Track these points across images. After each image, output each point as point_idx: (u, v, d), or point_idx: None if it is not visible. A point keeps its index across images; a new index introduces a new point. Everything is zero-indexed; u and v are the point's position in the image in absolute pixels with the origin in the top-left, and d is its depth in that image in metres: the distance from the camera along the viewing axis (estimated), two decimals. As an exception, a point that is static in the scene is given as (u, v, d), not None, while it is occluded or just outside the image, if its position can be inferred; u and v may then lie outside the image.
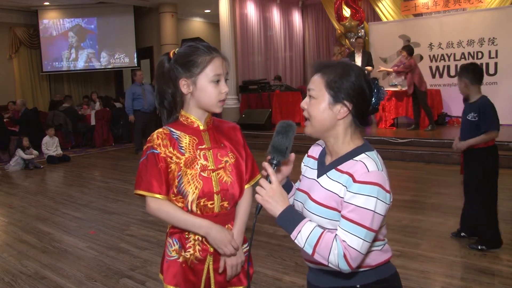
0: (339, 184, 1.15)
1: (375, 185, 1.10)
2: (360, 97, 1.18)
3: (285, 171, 1.30)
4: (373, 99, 1.20)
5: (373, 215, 1.09)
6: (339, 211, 1.15)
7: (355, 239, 1.08)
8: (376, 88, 1.21)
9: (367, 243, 1.10)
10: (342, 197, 1.14)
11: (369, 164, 1.13)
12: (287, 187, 1.35)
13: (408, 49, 7.63)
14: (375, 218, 1.09)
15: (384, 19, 10.20)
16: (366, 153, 1.18)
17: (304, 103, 1.24)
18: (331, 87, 1.18)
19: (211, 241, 1.33)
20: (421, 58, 8.94)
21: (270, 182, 1.19)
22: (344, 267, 1.09)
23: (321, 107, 1.19)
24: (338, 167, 1.19)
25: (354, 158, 1.17)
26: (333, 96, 1.18)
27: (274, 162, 1.21)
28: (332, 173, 1.20)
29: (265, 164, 1.21)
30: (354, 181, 1.11)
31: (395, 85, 8.40)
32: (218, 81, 1.34)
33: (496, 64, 8.17)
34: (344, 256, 1.08)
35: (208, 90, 1.33)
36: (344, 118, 1.19)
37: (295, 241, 1.15)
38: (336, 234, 1.12)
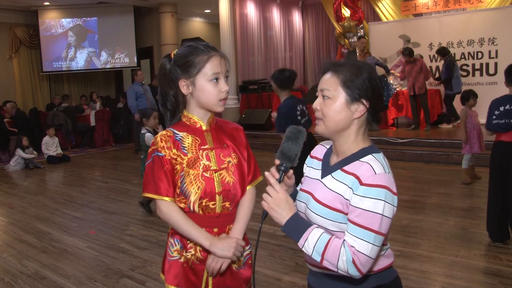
0: (344, 185, 1.13)
1: (382, 188, 1.07)
2: (375, 93, 1.17)
3: (288, 182, 1.26)
4: (384, 96, 1.20)
5: (381, 218, 1.07)
6: (344, 213, 1.13)
7: (364, 243, 1.06)
8: (385, 84, 1.20)
9: (376, 247, 1.08)
10: (348, 199, 1.11)
11: (375, 166, 1.11)
12: (293, 195, 1.32)
13: (409, 52, 7.64)
14: (383, 222, 1.07)
15: (384, 19, 10.20)
16: (373, 154, 1.16)
17: (317, 104, 1.20)
18: (348, 85, 1.16)
19: (217, 251, 1.32)
20: (421, 58, 8.94)
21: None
22: (354, 272, 1.07)
23: (337, 107, 1.17)
24: (344, 168, 1.17)
25: (360, 159, 1.15)
26: (350, 95, 1.16)
27: (282, 168, 1.18)
28: (338, 173, 1.17)
29: (273, 171, 1.19)
30: (361, 183, 1.09)
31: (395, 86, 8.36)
32: (217, 80, 1.33)
33: (496, 64, 8.16)
34: (353, 261, 1.06)
35: (207, 89, 1.33)
36: (360, 117, 1.17)
37: (303, 249, 1.13)
38: (344, 240, 1.10)
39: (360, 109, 1.16)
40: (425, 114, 7.76)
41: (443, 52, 7.73)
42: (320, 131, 1.21)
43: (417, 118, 7.88)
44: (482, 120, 5.29)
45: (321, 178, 1.22)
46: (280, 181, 1.19)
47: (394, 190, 1.10)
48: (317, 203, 1.18)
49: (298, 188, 1.38)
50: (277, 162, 1.19)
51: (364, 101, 1.16)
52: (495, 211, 3.16)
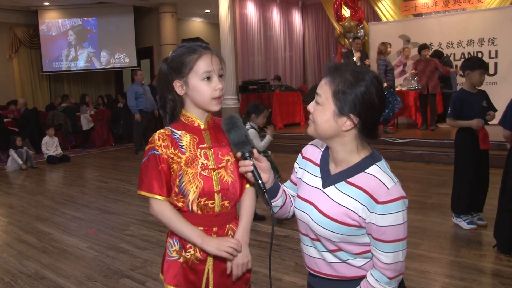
0: (355, 201, 1.11)
1: (398, 200, 1.08)
2: (368, 111, 1.09)
3: (262, 166, 1.25)
4: (386, 110, 1.13)
5: (403, 226, 1.10)
6: (352, 226, 1.12)
7: (396, 254, 1.10)
8: (392, 98, 1.13)
9: (405, 250, 1.13)
10: (362, 217, 1.10)
11: (385, 180, 1.10)
12: (275, 187, 1.29)
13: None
14: (405, 227, 1.11)
15: (384, 19, 10.21)
16: (377, 164, 1.13)
17: (310, 107, 1.17)
18: (338, 98, 1.09)
19: (210, 248, 1.31)
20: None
21: (260, 177, 1.20)
22: (397, 282, 1.14)
23: (325, 116, 1.12)
24: (349, 180, 1.14)
25: (365, 171, 1.12)
26: (339, 107, 1.10)
27: (247, 154, 1.21)
28: (342, 185, 1.14)
29: (242, 163, 1.21)
30: (377, 202, 1.08)
31: (415, 88, 8.14)
32: (209, 78, 1.32)
33: (496, 64, 8.17)
34: (389, 278, 1.11)
35: (200, 88, 1.32)
36: (350, 130, 1.12)
37: None
38: (366, 276, 1.15)
39: (348, 123, 1.11)
40: (432, 113, 7.71)
41: (438, 54, 7.78)
42: (311, 133, 1.19)
43: (426, 118, 7.82)
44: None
45: (323, 188, 1.19)
46: (254, 165, 1.20)
47: (404, 194, 1.11)
48: (323, 216, 1.16)
49: (286, 184, 1.38)
50: (239, 155, 1.22)
51: (353, 117, 1.10)
52: (506, 218, 3.01)
